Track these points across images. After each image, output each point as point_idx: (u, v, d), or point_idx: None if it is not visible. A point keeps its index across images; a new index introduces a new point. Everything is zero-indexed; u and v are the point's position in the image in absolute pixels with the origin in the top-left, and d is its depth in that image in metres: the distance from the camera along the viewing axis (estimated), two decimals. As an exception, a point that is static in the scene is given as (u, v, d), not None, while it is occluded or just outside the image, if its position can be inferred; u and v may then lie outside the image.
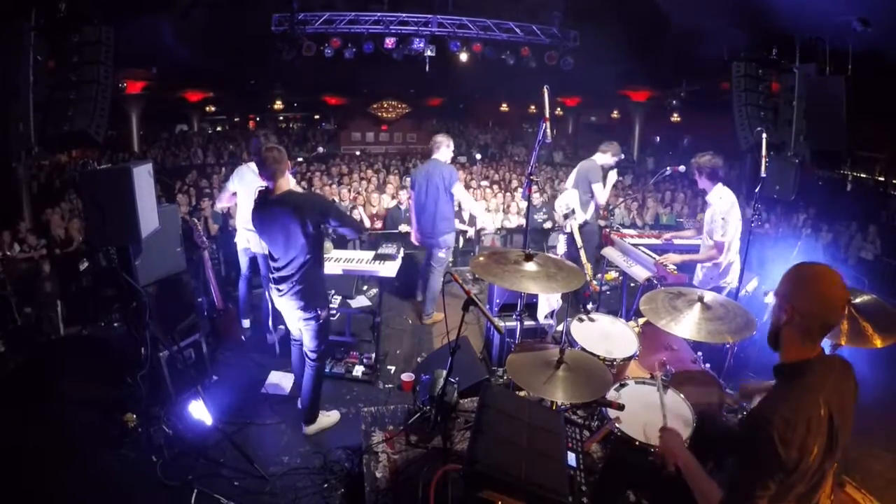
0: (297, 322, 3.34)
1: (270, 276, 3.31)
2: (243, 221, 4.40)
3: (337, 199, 8.03)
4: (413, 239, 5.22)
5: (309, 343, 3.32)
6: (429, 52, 8.76)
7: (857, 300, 2.39)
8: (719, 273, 3.99)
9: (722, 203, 3.83)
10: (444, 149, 4.93)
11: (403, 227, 7.37)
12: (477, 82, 12.62)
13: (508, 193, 8.83)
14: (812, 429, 1.45)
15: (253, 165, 4.18)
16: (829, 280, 1.50)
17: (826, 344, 2.30)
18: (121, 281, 3.28)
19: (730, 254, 3.93)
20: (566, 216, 5.27)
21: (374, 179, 10.23)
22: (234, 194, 4.48)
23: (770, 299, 1.63)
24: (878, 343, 2.25)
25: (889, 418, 3.48)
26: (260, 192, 3.16)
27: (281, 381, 4.09)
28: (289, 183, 3.20)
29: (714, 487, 1.63)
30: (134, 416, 3.37)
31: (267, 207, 3.08)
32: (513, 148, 18.47)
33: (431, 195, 4.85)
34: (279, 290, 3.21)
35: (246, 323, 4.83)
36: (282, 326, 4.29)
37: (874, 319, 2.30)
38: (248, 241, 4.52)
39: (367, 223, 7.41)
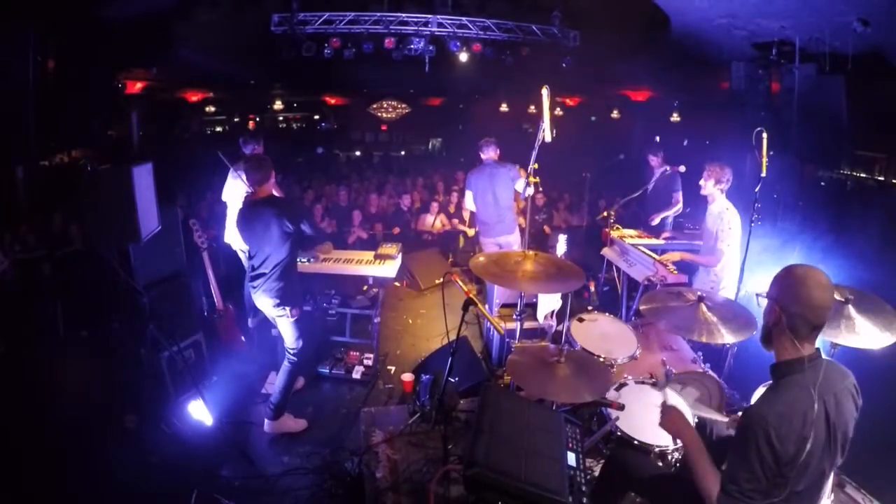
0: (273, 318, 3.51)
1: (248, 274, 3.50)
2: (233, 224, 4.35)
3: (336, 200, 8.04)
4: None
5: (287, 340, 3.48)
6: (428, 53, 8.74)
7: (857, 299, 2.38)
8: (717, 281, 3.96)
9: (729, 213, 3.81)
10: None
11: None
12: (477, 82, 12.59)
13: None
14: (807, 423, 1.47)
15: (241, 173, 4.13)
16: (815, 282, 1.53)
17: (826, 343, 2.31)
18: (120, 281, 3.29)
19: (729, 267, 3.90)
20: None
21: (374, 180, 10.23)
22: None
23: (762, 302, 1.64)
24: (877, 343, 2.24)
25: (889, 418, 3.47)
26: (246, 195, 3.43)
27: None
28: (272, 188, 3.45)
29: (714, 476, 1.62)
30: (134, 416, 3.37)
31: (253, 207, 3.33)
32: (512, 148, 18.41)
33: None
34: (253, 287, 3.39)
35: (251, 322, 4.80)
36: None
37: (873, 319, 2.30)
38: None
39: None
